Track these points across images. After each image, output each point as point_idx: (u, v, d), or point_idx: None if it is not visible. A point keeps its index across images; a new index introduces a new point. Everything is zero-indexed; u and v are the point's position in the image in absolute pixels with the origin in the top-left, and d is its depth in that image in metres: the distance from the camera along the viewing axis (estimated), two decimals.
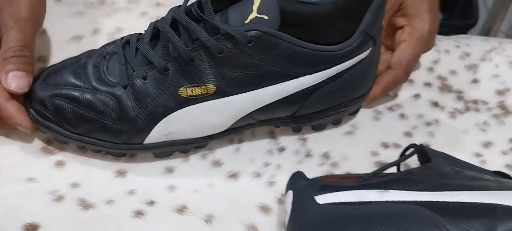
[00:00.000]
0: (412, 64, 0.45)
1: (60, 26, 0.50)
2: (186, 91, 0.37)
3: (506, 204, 0.30)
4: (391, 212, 0.30)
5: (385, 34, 0.45)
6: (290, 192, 0.34)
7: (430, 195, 0.30)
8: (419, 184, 0.31)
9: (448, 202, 0.30)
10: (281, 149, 0.43)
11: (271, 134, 0.44)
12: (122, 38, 0.40)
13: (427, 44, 0.45)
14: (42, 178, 0.38)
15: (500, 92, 0.51)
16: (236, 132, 0.41)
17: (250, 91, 0.37)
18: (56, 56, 0.47)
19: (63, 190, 0.38)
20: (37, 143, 0.41)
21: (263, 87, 0.37)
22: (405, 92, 0.49)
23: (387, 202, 0.30)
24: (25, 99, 0.39)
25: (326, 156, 0.43)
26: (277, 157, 0.42)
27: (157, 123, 0.37)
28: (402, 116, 0.47)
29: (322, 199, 0.32)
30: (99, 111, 0.37)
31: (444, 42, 0.55)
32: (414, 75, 0.50)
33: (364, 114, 0.46)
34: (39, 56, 0.47)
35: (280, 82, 0.37)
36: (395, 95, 0.49)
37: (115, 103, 0.37)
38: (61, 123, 0.38)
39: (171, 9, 0.38)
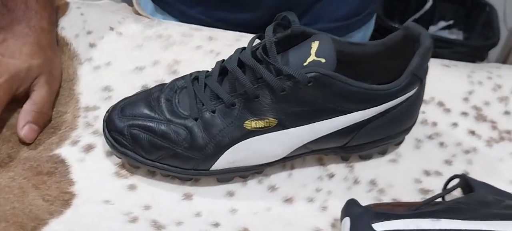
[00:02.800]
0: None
1: (122, 58, 0.55)
2: (251, 124, 0.41)
3: None
4: None
5: None
6: (347, 219, 0.38)
7: (478, 224, 0.34)
8: (467, 213, 0.35)
9: None
10: (331, 175, 0.46)
11: (320, 161, 0.47)
12: (191, 74, 0.44)
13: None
14: (116, 200, 0.43)
15: None
16: (289, 159, 0.45)
17: (307, 125, 0.41)
18: (121, 85, 0.52)
19: (136, 212, 0.42)
20: (111, 167, 0.45)
21: (318, 121, 0.41)
22: (443, 122, 0.53)
23: (440, 230, 0.33)
24: (104, 128, 0.43)
25: (373, 182, 0.46)
26: (327, 182, 0.46)
27: (224, 152, 0.41)
28: (441, 144, 0.50)
29: (380, 226, 0.35)
30: (172, 140, 0.41)
31: (477, 73, 0.59)
32: (451, 104, 0.54)
33: (406, 143, 0.50)
34: (106, 86, 0.52)
35: (334, 117, 0.41)
36: (434, 124, 0.52)
37: (187, 133, 0.41)
38: (137, 150, 0.42)
39: (236, 50, 0.42)
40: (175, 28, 0.59)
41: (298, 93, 0.40)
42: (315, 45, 0.41)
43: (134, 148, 0.42)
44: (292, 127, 0.41)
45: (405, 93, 0.42)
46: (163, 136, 0.41)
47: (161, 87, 0.45)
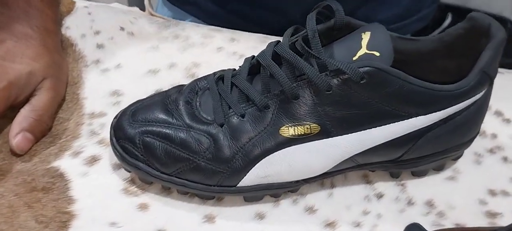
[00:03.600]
0: None
1: (134, 60, 0.49)
2: (288, 130, 0.34)
3: None
4: None
5: None
6: None
7: None
8: None
9: None
10: (379, 195, 0.39)
11: (366, 178, 0.40)
12: (214, 73, 0.37)
13: None
14: (125, 222, 0.35)
15: None
16: (331, 176, 0.38)
17: (357, 133, 0.34)
18: (132, 90, 0.46)
19: None
20: (118, 183, 0.38)
21: (370, 128, 0.34)
22: (503, 134, 0.45)
23: None
24: (111, 136, 0.36)
25: (430, 204, 0.38)
26: (375, 204, 0.38)
27: (255, 164, 0.34)
28: (505, 159, 0.43)
29: None
30: (193, 150, 0.34)
31: None
32: (511, 114, 0.47)
33: (464, 158, 0.42)
34: (115, 90, 0.46)
35: (389, 123, 0.34)
36: (494, 137, 0.45)
37: (211, 142, 0.34)
38: (151, 162, 0.35)
39: (270, 43, 0.36)
40: (193, 29, 0.53)
41: (348, 93, 0.33)
42: (366, 36, 0.34)
43: (147, 159, 0.35)
44: (338, 135, 0.34)
45: (472, 96, 0.35)
46: (182, 145, 0.34)
47: (179, 88, 0.38)
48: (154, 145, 0.35)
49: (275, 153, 0.34)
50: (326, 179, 0.39)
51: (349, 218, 0.37)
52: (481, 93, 0.36)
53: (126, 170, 0.37)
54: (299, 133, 0.34)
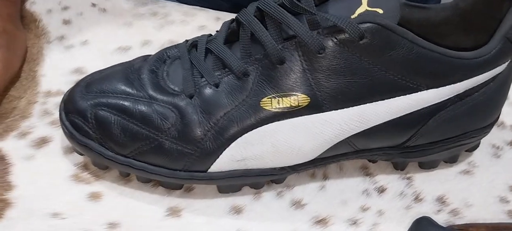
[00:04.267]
0: None
1: (104, 37, 0.43)
2: (271, 102, 0.28)
3: None
4: None
5: None
6: None
7: None
8: None
9: None
10: (381, 190, 0.33)
11: (365, 169, 0.34)
12: (187, 40, 0.31)
13: None
14: (70, 214, 0.29)
15: None
16: (320, 164, 0.32)
17: (354, 107, 0.28)
18: (97, 67, 0.39)
19: None
20: (68, 168, 0.32)
21: (371, 102, 0.28)
22: None
23: None
24: (61, 109, 0.30)
25: (441, 201, 0.32)
26: (376, 199, 0.32)
27: (229, 144, 0.28)
28: None
29: None
30: (155, 126, 0.28)
31: None
32: None
33: (480, 151, 0.36)
34: (77, 68, 0.40)
35: (394, 97, 0.28)
36: None
37: (177, 116, 0.28)
38: (104, 141, 0.29)
39: (252, 3, 0.30)
40: (174, 7, 0.47)
41: (344, 56, 0.27)
42: None
43: (100, 137, 0.29)
44: (331, 110, 0.28)
45: (494, 67, 0.29)
46: (143, 120, 0.28)
47: (145, 57, 0.32)
48: (109, 119, 0.29)
49: (254, 130, 0.28)
50: (318, 168, 0.33)
51: (345, 214, 0.31)
52: (503, 66, 0.30)
53: (77, 152, 0.31)
54: (285, 106, 0.28)
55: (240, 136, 0.28)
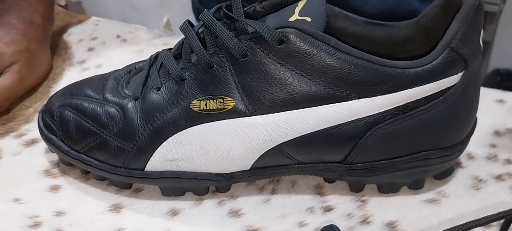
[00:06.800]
0: None
1: (117, 61, 0.48)
2: (199, 104, 0.29)
3: None
4: None
5: None
6: None
7: None
8: None
9: None
10: (327, 209, 0.31)
11: (318, 189, 0.32)
12: (152, 55, 0.34)
13: None
14: (29, 201, 0.32)
15: None
16: (267, 176, 0.31)
17: (281, 113, 0.28)
18: None
19: (44, 216, 0.31)
20: (42, 164, 0.35)
21: (298, 108, 0.28)
22: None
23: None
24: (39, 111, 0.35)
25: (391, 225, 0.30)
26: (319, 217, 0.30)
27: (161, 143, 0.29)
28: None
29: None
30: (102, 123, 0.31)
31: None
32: None
33: (457, 181, 0.33)
34: None
35: (322, 104, 0.28)
36: (508, 163, 0.34)
37: (120, 115, 0.30)
38: (64, 137, 0.32)
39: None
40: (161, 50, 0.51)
41: (265, 61, 0.27)
42: (301, 3, 0.29)
43: (62, 133, 0.32)
44: (258, 114, 0.28)
45: (438, 79, 0.27)
46: (93, 118, 0.31)
47: (119, 70, 0.36)
48: (68, 118, 0.32)
49: (184, 130, 0.29)
50: (269, 184, 0.33)
51: (279, 228, 0.30)
52: (453, 80, 0.28)
53: (50, 149, 0.34)
54: (211, 108, 0.28)
55: (171, 136, 0.29)
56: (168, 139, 0.29)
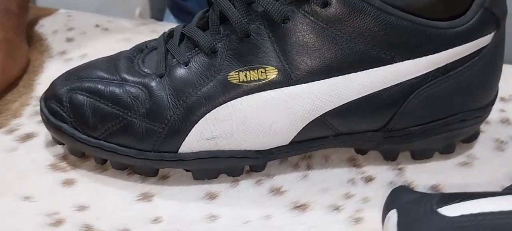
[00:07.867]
0: None
1: (102, 50, 0.43)
2: (239, 76, 0.27)
3: None
4: None
5: None
6: (393, 211, 0.21)
7: None
8: None
9: None
10: (368, 179, 0.30)
11: (352, 161, 0.32)
12: (165, 32, 0.32)
13: None
14: (41, 197, 0.29)
15: None
16: (300, 150, 0.30)
17: (325, 80, 0.27)
18: None
19: (64, 213, 0.28)
20: (47, 159, 0.32)
21: (343, 74, 0.27)
22: None
23: None
24: (41, 99, 0.31)
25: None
26: (362, 188, 0.30)
27: (198, 121, 0.27)
28: None
29: (451, 210, 0.19)
30: (124, 104, 0.28)
31: None
32: None
33: (481, 143, 0.33)
34: None
35: (367, 69, 0.27)
36: None
37: (146, 94, 0.28)
38: (77, 124, 0.29)
39: None
40: (175, 26, 0.49)
41: (310, 25, 0.26)
42: None
43: (74, 120, 0.29)
44: (301, 83, 0.27)
45: (474, 39, 0.28)
46: (113, 99, 0.28)
47: (127, 51, 0.33)
48: (82, 102, 0.29)
49: (223, 105, 0.27)
50: (302, 160, 0.31)
51: (326, 201, 0.29)
52: (487, 40, 0.28)
53: (55, 140, 0.31)
54: (251, 79, 0.27)
55: (209, 112, 0.27)
56: (205, 116, 0.27)
